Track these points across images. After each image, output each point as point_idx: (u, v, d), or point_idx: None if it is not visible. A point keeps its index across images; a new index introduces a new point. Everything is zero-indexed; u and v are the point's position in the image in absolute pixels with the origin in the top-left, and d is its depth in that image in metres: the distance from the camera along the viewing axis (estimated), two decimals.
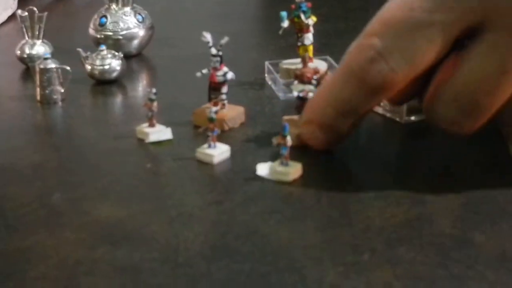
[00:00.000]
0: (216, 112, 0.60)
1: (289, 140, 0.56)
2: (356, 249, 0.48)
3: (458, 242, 0.49)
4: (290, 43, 0.76)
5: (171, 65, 0.76)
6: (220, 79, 0.64)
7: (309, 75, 0.61)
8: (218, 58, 0.64)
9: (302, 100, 0.61)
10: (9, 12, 0.94)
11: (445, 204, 0.53)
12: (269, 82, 0.73)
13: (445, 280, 0.45)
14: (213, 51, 0.64)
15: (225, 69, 0.64)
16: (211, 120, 0.59)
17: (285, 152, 0.56)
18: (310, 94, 0.61)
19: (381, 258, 0.47)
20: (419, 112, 0.65)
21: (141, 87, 0.77)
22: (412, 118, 0.65)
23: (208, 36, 0.63)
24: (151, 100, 0.62)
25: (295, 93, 0.61)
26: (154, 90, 0.62)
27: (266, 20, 0.92)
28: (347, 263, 0.47)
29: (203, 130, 0.60)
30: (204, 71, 0.64)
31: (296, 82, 0.62)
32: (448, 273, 0.46)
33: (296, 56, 0.74)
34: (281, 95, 0.70)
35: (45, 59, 0.71)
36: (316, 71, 0.61)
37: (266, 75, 0.74)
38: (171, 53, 0.76)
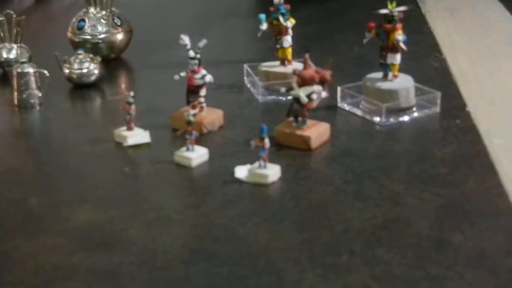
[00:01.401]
0: (194, 115, 0.60)
1: (267, 142, 0.56)
2: (335, 250, 0.48)
3: (436, 243, 0.49)
4: (269, 46, 0.76)
5: (149, 69, 0.76)
6: (199, 82, 0.64)
7: (315, 75, 0.60)
8: (196, 61, 0.64)
9: (310, 101, 0.60)
10: None
11: (423, 205, 0.53)
12: (248, 85, 0.73)
13: (423, 281, 0.45)
14: (191, 53, 0.63)
15: (203, 71, 0.64)
16: (189, 123, 0.59)
17: (264, 154, 0.56)
18: (324, 94, 0.60)
19: (360, 259, 0.47)
20: (398, 113, 0.66)
21: (119, 91, 0.77)
22: (391, 120, 0.65)
23: (186, 39, 0.63)
24: (129, 103, 0.62)
25: (303, 97, 0.60)
26: (132, 93, 0.62)
27: (245, 23, 0.92)
28: (326, 265, 0.47)
29: (181, 133, 0.60)
30: (182, 74, 0.64)
31: (295, 85, 0.61)
32: (426, 274, 0.46)
33: (275, 59, 0.74)
34: (260, 97, 0.70)
35: (22, 63, 0.70)
36: (317, 71, 0.60)
37: (245, 78, 0.73)
38: (150, 57, 0.76)
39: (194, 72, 0.65)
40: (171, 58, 0.80)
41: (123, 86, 0.78)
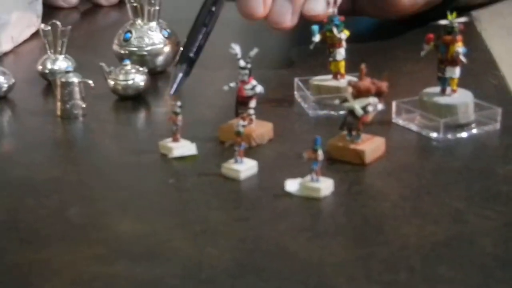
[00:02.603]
0: (244, 126, 0.57)
1: (320, 154, 0.53)
2: (393, 267, 0.45)
3: (501, 261, 0.45)
4: (320, 62, 0.74)
5: (196, 82, 0.73)
6: (249, 92, 0.61)
7: (371, 86, 0.57)
8: (247, 71, 0.61)
9: (366, 114, 0.57)
10: (33, 30, 0.93)
11: (486, 223, 0.50)
12: (298, 100, 0.70)
13: None
14: (242, 63, 0.61)
15: (253, 82, 0.61)
16: (238, 133, 0.56)
17: (316, 167, 0.53)
18: (380, 107, 0.57)
19: (420, 277, 0.44)
20: (456, 129, 0.62)
21: (166, 102, 0.74)
22: (448, 136, 0.61)
23: (236, 48, 0.61)
24: (176, 114, 0.60)
25: (358, 109, 0.57)
26: (179, 103, 0.60)
27: (296, 38, 0.89)
28: (383, 282, 0.44)
29: (229, 145, 0.57)
30: (232, 84, 0.62)
31: (350, 96, 0.58)
32: None
33: (326, 74, 0.71)
34: (310, 112, 0.67)
35: (67, 72, 0.69)
36: (373, 82, 0.57)
37: (295, 92, 0.71)
38: (197, 70, 0.74)
39: (244, 82, 0.62)
40: (218, 72, 0.78)
41: (170, 99, 0.75)
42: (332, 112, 0.67)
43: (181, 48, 0.74)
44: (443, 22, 0.62)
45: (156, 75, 0.79)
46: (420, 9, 0.89)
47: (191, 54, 0.72)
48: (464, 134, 0.63)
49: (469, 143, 0.62)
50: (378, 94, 0.58)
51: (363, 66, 0.58)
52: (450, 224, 0.50)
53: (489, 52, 0.85)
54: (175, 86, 0.69)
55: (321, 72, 0.72)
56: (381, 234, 0.49)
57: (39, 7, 0.97)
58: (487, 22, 0.94)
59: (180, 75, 0.69)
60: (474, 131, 0.63)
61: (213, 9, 0.74)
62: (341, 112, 0.66)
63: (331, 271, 0.45)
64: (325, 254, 0.47)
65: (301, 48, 0.88)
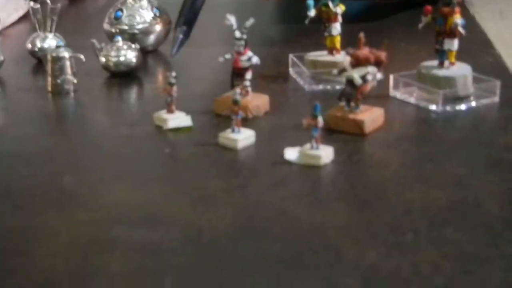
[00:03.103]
0: (241, 95, 0.56)
1: (320, 121, 0.52)
2: (398, 230, 0.44)
3: (509, 223, 0.44)
4: (313, 41, 0.72)
5: (189, 61, 0.72)
6: (245, 64, 0.60)
7: (370, 56, 0.56)
8: (243, 42, 0.60)
9: (365, 83, 0.56)
10: (20, 13, 0.91)
11: (490, 187, 0.49)
12: (294, 76, 0.69)
13: (498, 260, 0.41)
14: (237, 34, 0.60)
15: (249, 53, 0.60)
16: (235, 102, 0.55)
17: (316, 134, 0.52)
18: (379, 76, 0.56)
19: (426, 239, 0.43)
20: (455, 101, 0.62)
21: (157, 79, 0.73)
22: (447, 108, 0.61)
23: (232, 19, 0.59)
24: (171, 84, 0.58)
25: (357, 78, 0.56)
26: (173, 74, 0.58)
27: (288, 15, 0.88)
28: (388, 243, 0.42)
29: (227, 112, 0.56)
30: (227, 55, 0.60)
31: (348, 66, 0.57)
32: (501, 253, 0.41)
33: (320, 50, 0.70)
34: (306, 86, 0.66)
35: (58, 47, 0.67)
36: (372, 52, 0.56)
37: (290, 68, 0.70)
38: (189, 50, 0.72)
39: (240, 53, 0.61)
40: (212, 47, 0.77)
41: (162, 75, 0.74)
42: (328, 87, 0.67)
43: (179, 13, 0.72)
44: None
45: (147, 53, 0.78)
46: None
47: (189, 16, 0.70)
48: (463, 107, 0.62)
49: (468, 115, 0.61)
50: (377, 63, 0.57)
51: (361, 35, 0.57)
52: (454, 189, 0.49)
53: (484, 33, 0.84)
54: (176, 47, 0.67)
55: (315, 49, 0.71)
56: (384, 199, 0.48)
57: None
58: (479, 6, 0.93)
59: (181, 36, 0.68)
60: (473, 103, 0.62)
61: None
62: (337, 87, 0.65)
63: (335, 233, 0.44)
64: (328, 218, 0.46)
65: (293, 26, 0.87)
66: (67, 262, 0.42)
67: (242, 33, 0.60)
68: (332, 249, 0.42)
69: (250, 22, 0.60)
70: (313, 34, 0.74)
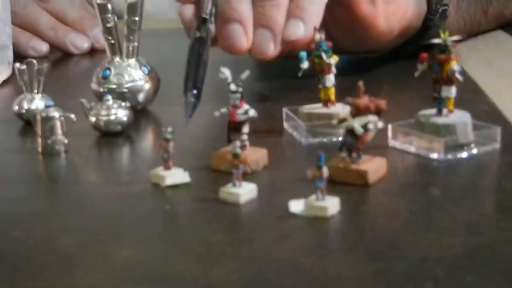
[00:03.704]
0: (242, 148, 0.54)
1: (325, 171, 0.50)
2: (415, 278, 0.42)
3: None
4: (304, 96, 0.71)
5: (182, 117, 0.70)
6: (241, 117, 0.59)
7: (370, 104, 0.55)
8: (238, 95, 0.59)
9: (366, 132, 0.55)
10: (4, 77, 0.90)
11: (504, 234, 0.48)
12: (289, 130, 0.67)
13: None
14: (233, 87, 0.59)
15: (246, 106, 0.59)
16: (235, 156, 0.53)
17: (321, 184, 0.51)
18: (380, 124, 0.55)
19: (447, 286, 0.41)
20: (455, 149, 0.60)
21: (150, 137, 0.71)
22: (449, 156, 0.59)
23: (226, 72, 0.58)
24: (167, 140, 0.57)
25: (358, 128, 0.54)
26: (170, 129, 0.57)
27: (274, 74, 0.88)
28: None
29: (227, 167, 0.54)
30: (223, 109, 0.59)
31: (349, 116, 0.55)
32: None
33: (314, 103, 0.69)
34: (303, 140, 0.65)
35: (47, 107, 0.65)
36: (372, 100, 0.55)
37: (284, 122, 0.68)
38: (180, 109, 0.70)
39: (235, 107, 0.60)
40: (205, 103, 0.75)
41: (154, 134, 0.72)
42: (325, 140, 0.65)
43: (184, 80, 0.70)
44: (436, 40, 0.61)
45: (137, 113, 0.76)
46: (396, 38, 0.88)
47: (196, 82, 0.68)
48: (464, 154, 0.60)
49: (471, 162, 0.60)
50: (377, 112, 0.56)
51: (360, 83, 0.56)
52: (467, 236, 0.48)
53: (474, 82, 0.84)
54: (190, 112, 0.65)
55: (307, 103, 0.70)
56: (397, 249, 0.46)
57: (10, 54, 0.94)
58: (466, 56, 0.93)
59: (192, 100, 0.65)
60: (474, 151, 0.61)
61: (200, 50, 0.71)
62: (334, 139, 0.64)
63: (351, 285, 0.42)
64: (341, 269, 0.44)
65: (282, 81, 0.87)
66: None
67: (237, 85, 0.59)
68: None
69: (245, 74, 0.59)
70: (303, 88, 0.73)
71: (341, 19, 0.83)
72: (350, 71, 0.90)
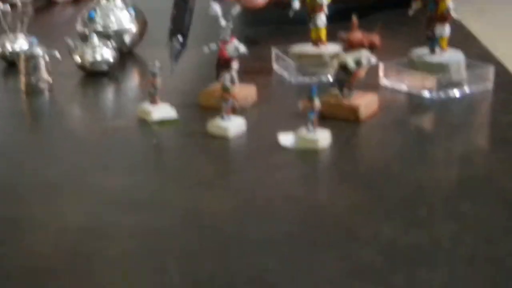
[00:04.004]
0: (232, 81, 0.53)
1: (317, 103, 0.49)
2: (412, 205, 0.41)
3: None
4: (294, 40, 0.69)
5: (168, 63, 0.69)
6: (231, 53, 0.57)
7: (363, 39, 0.53)
8: (228, 31, 0.57)
9: (359, 67, 0.53)
10: None
11: (500, 165, 0.47)
12: (278, 71, 0.66)
13: None
14: (222, 22, 0.57)
15: (235, 42, 0.57)
16: (225, 89, 0.52)
17: (313, 116, 0.49)
18: (373, 60, 0.54)
19: (442, 213, 0.40)
20: (448, 88, 0.59)
21: (137, 77, 0.70)
22: (441, 95, 0.58)
23: (216, 7, 0.56)
24: (154, 75, 0.55)
25: (351, 63, 0.53)
26: (157, 64, 0.55)
27: (262, 21, 0.86)
28: (404, 219, 0.40)
29: (216, 101, 0.53)
30: (212, 45, 0.57)
31: (341, 50, 0.54)
32: None
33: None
34: (293, 79, 0.63)
35: (31, 45, 0.64)
36: (365, 35, 0.54)
37: (274, 63, 0.67)
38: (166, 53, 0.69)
39: (225, 42, 0.58)
40: (193, 47, 0.73)
41: (140, 74, 0.71)
42: (315, 79, 0.64)
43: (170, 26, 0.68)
44: None
45: (123, 55, 0.74)
46: None
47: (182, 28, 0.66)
48: (457, 93, 0.59)
49: (464, 100, 0.59)
50: (371, 47, 0.55)
51: (354, 17, 0.54)
52: (462, 167, 0.47)
53: (466, 28, 0.82)
54: (174, 59, 0.63)
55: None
56: (391, 179, 0.45)
57: None
58: (458, 3, 0.91)
59: (177, 47, 0.63)
60: (467, 90, 0.60)
61: None
62: (324, 79, 0.63)
63: (346, 212, 0.41)
64: (336, 198, 0.43)
65: (271, 27, 0.85)
66: (58, 249, 0.38)
67: (227, 21, 0.57)
68: (345, 226, 0.39)
69: (236, 10, 0.57)
70: (294, 33, 0.71)
71: None
72: (342, 18, 0.88)
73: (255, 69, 0.69)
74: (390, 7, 0.90)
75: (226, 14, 0.58)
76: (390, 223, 0.39)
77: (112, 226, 0.40)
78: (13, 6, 0.72)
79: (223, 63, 0.59)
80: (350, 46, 0.55)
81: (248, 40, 0.60)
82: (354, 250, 0.37)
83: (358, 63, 0.54)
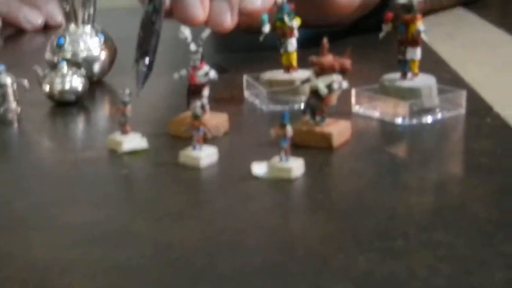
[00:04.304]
0: (203, 108, 0.52)
1: (289, 130, 0.48)
2: (385, 235, 0.41)
3: (499, 224, 0.42)
4: (265, 66, 0.69)
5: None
6: (202, 79, 0.56)
7: (334, 63, 0.53)
8: (199, 56, 0.56)
9: (330, 93, 0.53)
10: None
11: (474, 192, 0.46)
12: (250, 98, 0.66)
13: (497, 258, 0.37)
14: (193, 47, 0.56)
15: (206, 67, 0.57)
16: (196, 117, 0.51)
17: (285, 144, 0.49)
18: (344, 84, 0.53)
19: (418, 242, 0.40)
20: (420, 114, 0.59)
21: (107, 107, 0.69)
22: (413, 121, 0.58)
23: (186, 31, 0.56)
24: (124, 103, 0.55)
25: (322, 88, 0.52)
26: (127, 91, 0.54)
27: (231, 47, 0.86)
28: (379, 249, 0.39)
29: (187, 129, 0.52)
30: (182, 72, 0.57)
31: (312, 75, 0.54)
32: (498, 251, 0.38)
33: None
34: (264, 107, 0.63)
35: None
36: (336, 59, 0.53)
37: (245, 90, 0.66)
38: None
39: (195, 68, 0.58)
40: (160, 80, 0.72)
41: (110, 104, 0.70)
42: (287, 107, 0.63)
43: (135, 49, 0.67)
44: (402, 0, 0.59)
45: (93, 84, 0.73)
46: (356, 11, 0.87)
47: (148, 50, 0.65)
48: (429, 119, 0.59)
49: (436, 126, 0.59)
50: (342, 71, 0.54)
51: (325, 41, 0.54)
52: (435, 194, 0.46)
53: (436, 53, 0.83)
54: (141, 82, 0.62)
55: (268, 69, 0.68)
56: (364, 207, 0.45)
57: None
58: (428, 29, 0.92)
59: (144, 69, 0.63)
60: (439, 116, 0.59)
61: (152, 19, 0.68)
62: (296, 106, 0.62)
63: (319, 242, 0.40)
64: (308, 228, 0.42)
65: (240, 54, 0.85)
66: (25, 285, 0.37)
67: (198, 45, 0.57)
68: (319, 257, 0.39)
69: (206, 33, 0.57)
70: (264, 59, 0.71)
71: None
72: (312, 44, 0.88)
73: (226, 97, 0.68)
74: (362, 32, 0.90)
75: (196, 39, 0.57)
76: (364, 253, 0.38)
77: (81, 261, 0.39)
78: None
79: (193, 90, 0.58)
80: (321, 69, 0.55)
81: (218, 67, 0.59)
82: (328, 281, 0.36)
83: (329, 87, 0.54)
